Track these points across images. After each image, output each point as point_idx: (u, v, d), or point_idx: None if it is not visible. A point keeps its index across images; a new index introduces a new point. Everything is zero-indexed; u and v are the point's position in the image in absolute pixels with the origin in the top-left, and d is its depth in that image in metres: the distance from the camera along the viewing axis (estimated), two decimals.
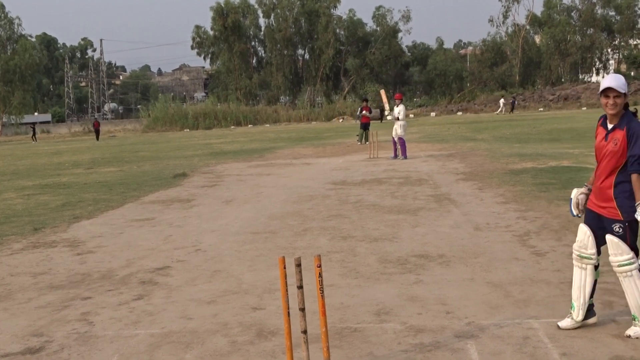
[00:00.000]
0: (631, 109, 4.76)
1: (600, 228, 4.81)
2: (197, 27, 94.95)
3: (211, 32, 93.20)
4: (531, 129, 33.65)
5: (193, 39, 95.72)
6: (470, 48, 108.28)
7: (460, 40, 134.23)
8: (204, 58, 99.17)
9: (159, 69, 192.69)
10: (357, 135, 29.69)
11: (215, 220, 10.62)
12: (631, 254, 4.64)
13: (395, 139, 20.58)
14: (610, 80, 4.72)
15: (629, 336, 4.68)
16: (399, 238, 8.47)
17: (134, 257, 8.16)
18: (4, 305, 6.36)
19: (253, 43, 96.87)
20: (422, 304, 5.68)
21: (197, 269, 7.40)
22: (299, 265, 4.08)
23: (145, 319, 5.68)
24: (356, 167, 18.72)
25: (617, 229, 4.68)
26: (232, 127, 69.51)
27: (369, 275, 6.69)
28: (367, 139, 27.21)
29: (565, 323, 4.94)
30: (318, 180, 15.53)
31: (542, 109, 66.58)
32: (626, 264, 4.65)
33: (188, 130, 68.55)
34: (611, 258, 4.73)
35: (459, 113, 71.35)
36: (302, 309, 4.11)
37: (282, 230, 9.46)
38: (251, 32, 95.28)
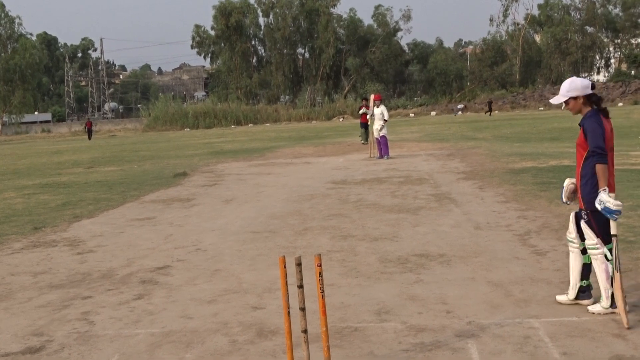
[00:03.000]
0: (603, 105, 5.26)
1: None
2: (197, 26, 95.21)
3: (212, 32, 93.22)
4: (531, 128, 33.65)
5: (193, 38, 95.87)
6: (470, 47, 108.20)
7: (460, 39, 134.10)
8: (204, 57, 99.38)
9: (159, 68, 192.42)
10: (360, 135, 29.63)
11: (215, 220, 10.62)
12: (596, 240, 5.11)
13: (378, 138, 20.65)
14: (557, 94, 5.34)
15: (588, 310, 5.22)
16: (400, 237, 8.47)
17: (135, 257, 8.16)
18: (4, 304, 6.35)
19: (253, 42, 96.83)
20: (422, 303, 5.68)
21: (197, 268, 7.39)
22: (299, 264, 4.07)
23: (145, 319, 5.68)
24: (356, 166, 18.71)
25: (584, 217, 5.21)
26: (233, 126, 69.57)
27: (370, 275, 6.69)
28: (367, 138, 27.21)
29: (561, 298, 5.47)
30: (318, 180, 15.52)
31: (542, 108, 66.56)
32: (592, 248, 5.16)
33: (188, 129, 68.61)
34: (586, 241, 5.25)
35: (459, 112, 71.35)
36: (303, 309, 4.11)
37: (283, 229, 9.46)
38: (251, 31, 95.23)
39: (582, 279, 5.35)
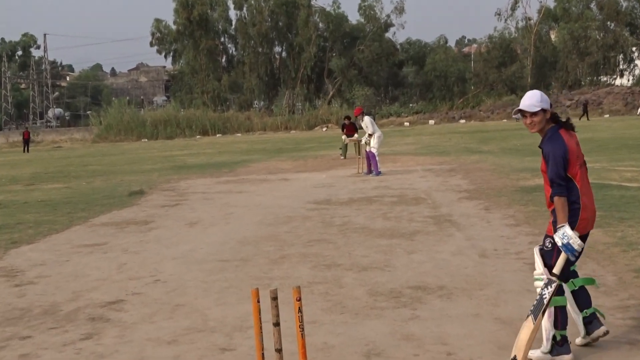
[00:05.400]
0: (563, 118, 5.41)
1: None
2: (157, 20, 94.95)
3: (173, 27, 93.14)
4: None
5: (152, 34, 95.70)
6: (474, 46, 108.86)
7: (463, 37, 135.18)
8: (165, 56, 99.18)
9: (113, 69, 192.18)
10: (340, 148, 29.80)
11: (177, 246, 10.60)
12: (541, 271, 5.20)
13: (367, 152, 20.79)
14: (523, 101, 5.36)
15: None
16: (392, 267, 8.49)
17: (82, 289, 8.12)
18: None
19: (222, 39, 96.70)
20: (418, 343, 5.69)
21: (155, 302, 7.37)
22: (275, 298, 4.08)
23: None
24: (342, 183, 18.77)
25: (547, 244, 5.29)
26: (198, 136, 69.53)
27: (357, 310, 6.70)
28: (350, 153, 27.43)
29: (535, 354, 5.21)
30: (298, 199, 15.54)
31: None
32: (538, 279, 5.24)
33: (146, 140, 68.51)
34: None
35: (462, 121, 71.72)
36: (279, 350, 4.11)
37: (256, 257, 9.46)
38: (220, 27, 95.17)
39: (581, 309, 5.35)
